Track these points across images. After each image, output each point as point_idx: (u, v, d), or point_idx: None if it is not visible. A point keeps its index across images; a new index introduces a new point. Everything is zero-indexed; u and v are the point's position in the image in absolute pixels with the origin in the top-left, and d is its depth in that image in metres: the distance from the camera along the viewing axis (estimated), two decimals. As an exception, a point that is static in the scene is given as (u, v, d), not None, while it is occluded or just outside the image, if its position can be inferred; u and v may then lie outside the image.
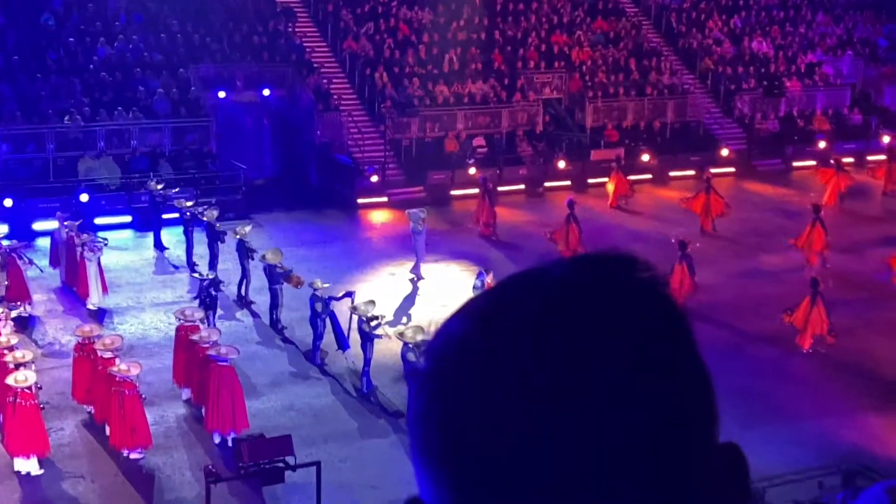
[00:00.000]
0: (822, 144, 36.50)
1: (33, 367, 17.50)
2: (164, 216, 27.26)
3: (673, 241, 23.90)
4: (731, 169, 35.15)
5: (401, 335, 18.66)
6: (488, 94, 35.15)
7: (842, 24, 42.82)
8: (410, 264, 25.70)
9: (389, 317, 21.40)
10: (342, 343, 20.59)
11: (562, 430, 1.01)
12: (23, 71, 30.91)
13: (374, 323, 19.68)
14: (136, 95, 31.31)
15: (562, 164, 33.60)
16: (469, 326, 1.08)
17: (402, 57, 35.35)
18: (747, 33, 40.98)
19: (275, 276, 22.27)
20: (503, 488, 1.02)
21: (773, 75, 38.91)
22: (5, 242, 24.16)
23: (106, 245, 24.13)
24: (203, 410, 18.06)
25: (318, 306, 20.55)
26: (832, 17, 43.09)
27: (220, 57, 33.51)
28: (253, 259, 23.29)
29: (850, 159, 34.61)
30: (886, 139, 36.37)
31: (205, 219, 25.24)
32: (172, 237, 27.07)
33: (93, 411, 18.18)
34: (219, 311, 21.95)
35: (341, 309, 20.73)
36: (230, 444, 17.19)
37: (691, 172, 34.15)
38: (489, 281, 21.43)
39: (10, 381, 16.59)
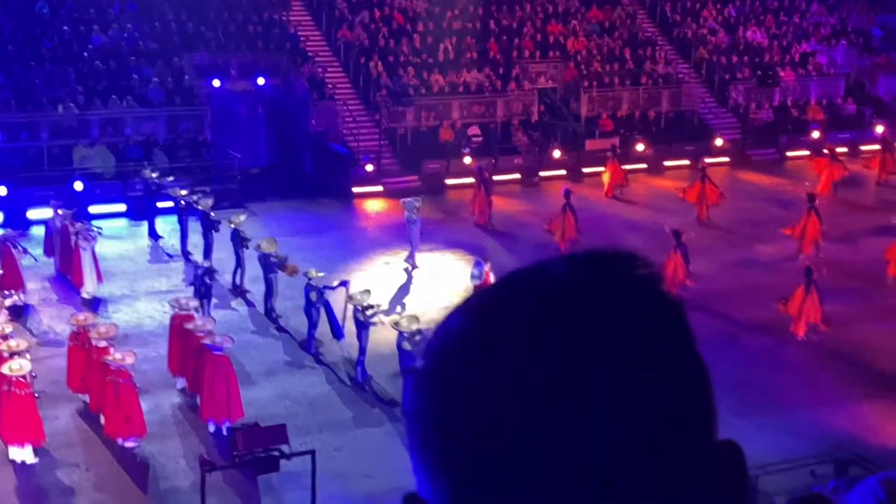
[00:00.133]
0: (815, 134, 36.49)
1: (28, 355, 17.48)
2: (159, 205, 27.21)
3: (667, 230, 23.92)
4: (726, 158, 35.13)
5: (395, 324, 18.67)
6: (483, 83, 35.10)
7: (836, 14, 42.79)
8: (405, 253, 25.69)
9: (384, 306, 21.40)
10: (337, 332, 20.59)
11: (560, 428, 1.01)
12: (17, 59, 30.81)
13: (369, 312, 19.69)
14: (130, 84, 31.23)
15: (557, 154, 33.56)
16: (467, 324, 1.08)
17: (396, 46, 35.28)
18: (742, 23, 40.93)
19: (269, 265, 22.25)
20: (502, 486, 1.02)
21: (767, 65, 38.88)
22: (-1, 231, 24.14)
23: (100, 234, 24.10)
24: (198, 399, 18.07)
25: (313, 295, 20.55)
26: (826, 6, 43.05)
27: (215, 45, 33.42)
28: (247, 248, 23.26)
29: (844, 149, 34.59)
30: (880, 129, 36.36)
31: (199, 207, 25.20)
32: (167, 226, 27.01)
33: (87, 400, 18.17)
34: (213, 300, 21.91)
35: (336, 298, 20.73)
36: (225, 432, 17.20)
37: (686, 162, 34.17)
38: (487, 269, 21.45)
39: (4, 369, 16.57)
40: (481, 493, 1.03)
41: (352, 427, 18.07)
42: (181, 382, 18.96)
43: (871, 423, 18.30)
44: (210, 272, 21.86)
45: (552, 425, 1.01)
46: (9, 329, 18.45)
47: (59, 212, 24.54)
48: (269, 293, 22.34)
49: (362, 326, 19.55)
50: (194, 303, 20.17)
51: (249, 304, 23.05)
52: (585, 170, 33.19)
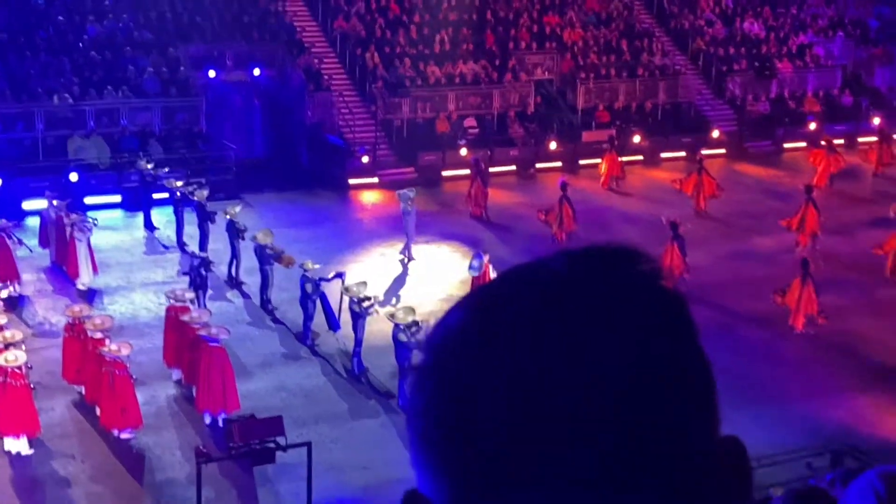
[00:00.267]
0: (812, 126, 36.50)
1: (23, 346, 17.48)
2: (154, 196, 27.19)
3: (664, 221, 23.91)
4: (722, 150, 35.15)
5: (391, 316, 18.67)
6: (480, 74, 35.06)
7: (833, 6, 42.79)
8: (401, 245, 25.69)
9: (380, 297, 21.41)
10: (333, 324, 20.59)
11: (559, 426, 1.00)
12: (12, 49, 30.74)
13: (365, 304, 19.69)
14: (125, 74, 31.16)
15: (553, 146, 33.56)
16: (467, 320, 1.08)
17: (393, 37, 35.23)
18: (739, 14, 40.93)
19: (265, 256, 22.24)
20: (502, 482, 1.02)
21: (764, 56, 38.89)
22: (-6, 222, 24.07)
23: (96, 225, 24.07)
24: (194, 391, 18.07)
25: (309, 287, 20.54)
26: (823, -2, 43.07)
27: (211, 36, 33.35)
28: (243, 239, 23.25)
29: (841, 141, 34.65)
30: (877, 120, 36.37)
31: (195, 199, 25.18)
32: (162, 217, 27.01)
33: (83, 391, 18.17)
34: (209, 292, 21.92)
35: (332, 290, 20.73)
36: (221, 424, 17.20)
37: (682, 154, 34.20)
38: (487, 262, 21.45)
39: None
40: (481, 489, 1.03)
41: (348, 419, 18.09)
42: (177, 374, 18.95)
43: (866, 415, 18.35)
44: (206, 263, 21.85)
45: (552, 422, 1.00)
46: (4, 320, 18.46)
47: (54, 202, 24.52)
48: (264, 285, 22.32)
49: (358, 318, 19.55)
50: (190, 294, 20.16)
51: (245, 295, 23.05)
52: (582, 161, 33.19)
